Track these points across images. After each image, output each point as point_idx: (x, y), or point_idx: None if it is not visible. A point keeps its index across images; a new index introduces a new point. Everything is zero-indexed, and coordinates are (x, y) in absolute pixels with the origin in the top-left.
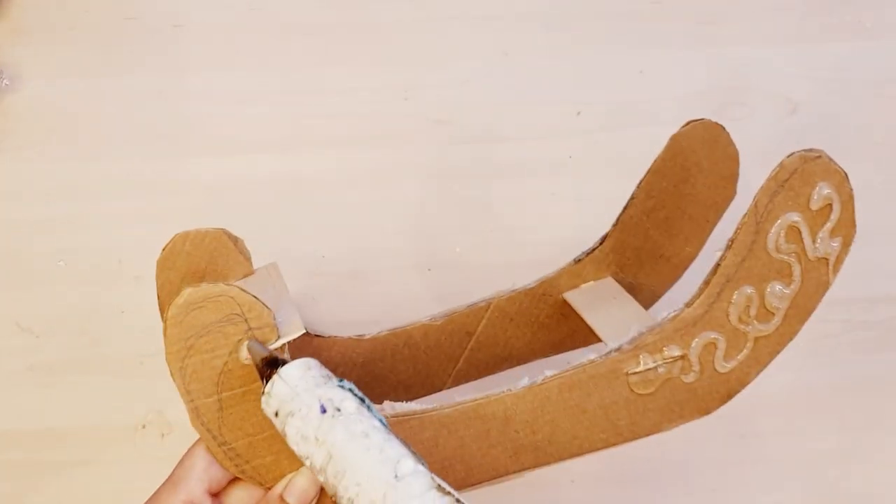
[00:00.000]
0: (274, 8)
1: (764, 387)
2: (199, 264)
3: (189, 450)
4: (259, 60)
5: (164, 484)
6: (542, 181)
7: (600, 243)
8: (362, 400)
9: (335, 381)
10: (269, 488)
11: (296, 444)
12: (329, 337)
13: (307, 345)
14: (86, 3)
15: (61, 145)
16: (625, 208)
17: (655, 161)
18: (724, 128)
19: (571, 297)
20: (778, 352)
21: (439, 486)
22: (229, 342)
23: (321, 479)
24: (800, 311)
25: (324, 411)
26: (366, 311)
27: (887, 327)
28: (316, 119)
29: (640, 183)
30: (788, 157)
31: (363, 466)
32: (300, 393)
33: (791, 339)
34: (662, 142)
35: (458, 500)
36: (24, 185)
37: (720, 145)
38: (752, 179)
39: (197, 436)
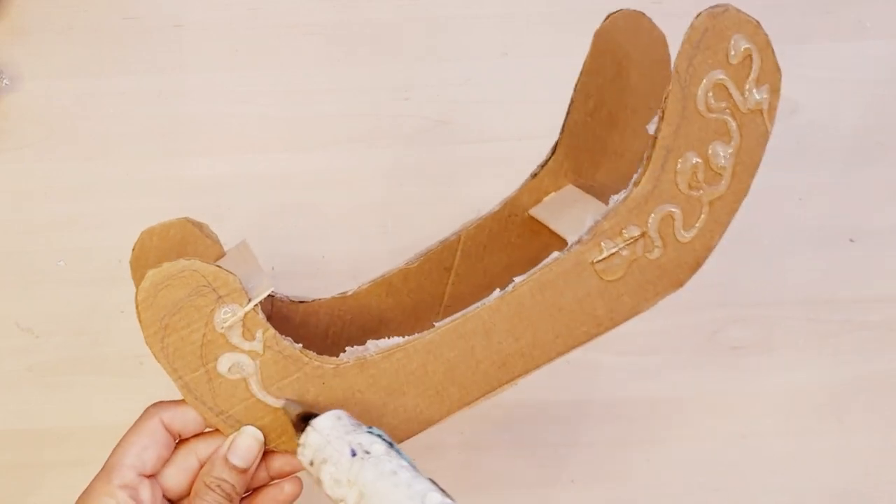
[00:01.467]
0: (273, 8)
1: (764, 387)
2: (171, 256)
3: (121, 439)
4: (259, 60)
5: (97, 474)
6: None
7: (552, 153)
8: (391, 444)
9: (364, 428)
10: (273, 449)
11: (330, 488)
12: (314, 300)
13: (294, 312)
14: (85, 3)
15: (61, 145)
16: (567, 113)
17: (585, 61)
18: (643, 14)
19: (536, 211)
20: (735, 209)
21: None
22: (202, 314)
23: None
24: (746, 165)
25: (354, 454)
26: None
27: (888, 327)
28: (316, 119)
29: (575, 85)
30: (697, 16)
31: (392, 501)
32: (332, 441)
33: (745, 194)
34: None
35: None
36: (23, 184)
37: (644, 31)
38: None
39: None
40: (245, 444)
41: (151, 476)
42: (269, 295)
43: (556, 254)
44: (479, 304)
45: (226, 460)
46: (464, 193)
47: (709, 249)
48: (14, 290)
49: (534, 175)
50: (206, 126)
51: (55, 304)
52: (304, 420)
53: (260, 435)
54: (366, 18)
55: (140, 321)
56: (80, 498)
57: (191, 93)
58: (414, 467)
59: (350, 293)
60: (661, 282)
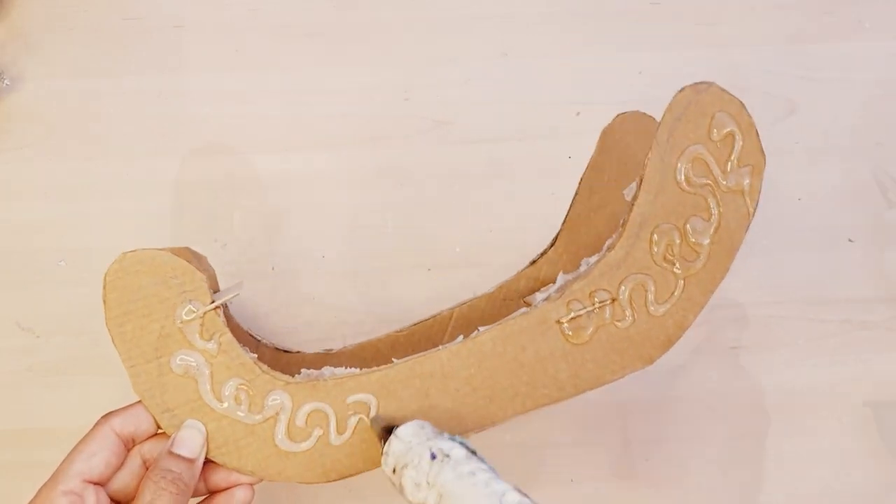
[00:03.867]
0: (274, 8)
1: (763, 387)
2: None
3: (72, 449)
4: (259, 61)
5: (45, 482)
6: (541, 181)
7: (552, 244)
8: (473, 452)
9: (446, 435)
10: (212, 459)
11: (411, 493)
12: (297, 353)
13: (277, 360)
14: (86, 4)
15: (62, 145)
16: (570, 206)
17: (592, 157)
18: (652, 117)
19: (533, 298)
20: (712, 291)
21: None
22: (165, 306)
23: None
24: (725, 245)
25: (434, 458)
26: (365, 311)
27: (887, 327)
28: (316, 119)
29: (580, 179)
30: (681, 90)
31: (471, 501)
32: (413, 447)
33: (722, 276)
34: None
35: None
36: (24, 184)
37: (650, 132)
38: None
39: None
40: (188, 434)
41: (99, 483)
42: (254, 338)
43: (524, 309)
44: (440, 347)
45: (170, 452)
46: (464, 194)
47: (682, 328)
48: (15, 290)
49: (532, 262)
50: (207, 126)
51: (56, 304)
52: (388, 432)
53: (203, 427)
54: (366, 19)
55: (104, 302)
56: None
57: (191, 93)
58: (493, 470)
59: (335, 351)
60: (629, 354)
